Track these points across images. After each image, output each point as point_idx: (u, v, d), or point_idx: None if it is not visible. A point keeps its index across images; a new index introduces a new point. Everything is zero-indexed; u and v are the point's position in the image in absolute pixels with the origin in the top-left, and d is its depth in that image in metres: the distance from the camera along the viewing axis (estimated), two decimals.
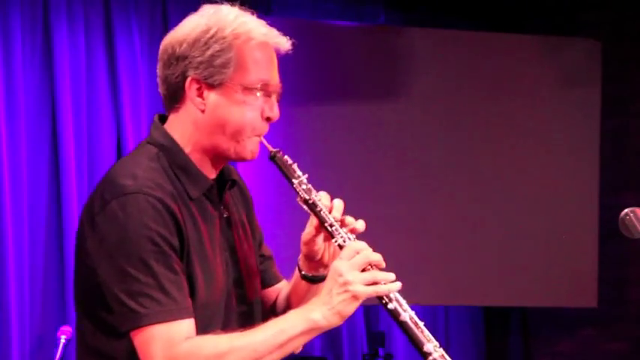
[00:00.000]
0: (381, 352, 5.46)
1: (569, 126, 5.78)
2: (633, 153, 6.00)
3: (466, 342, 6.28)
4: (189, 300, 2.08)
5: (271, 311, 2.38)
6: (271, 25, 2.29)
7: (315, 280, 2.32)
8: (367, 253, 2.12)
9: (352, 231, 2.21)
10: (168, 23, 5.18)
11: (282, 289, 2.41)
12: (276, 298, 2.41)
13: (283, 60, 6.39)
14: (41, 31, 4.87)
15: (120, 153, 5.02)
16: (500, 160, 5.67)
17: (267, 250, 2.42)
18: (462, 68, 5.60)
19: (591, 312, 5.94)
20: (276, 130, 6.04)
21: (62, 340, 4.29)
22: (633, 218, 2.54)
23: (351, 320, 5.86)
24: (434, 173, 5.57)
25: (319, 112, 5.42)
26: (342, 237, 2.17)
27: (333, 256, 2.27)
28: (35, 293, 4.80)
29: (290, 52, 2.29)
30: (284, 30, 5.97)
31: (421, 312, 6.04)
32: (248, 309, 2.27)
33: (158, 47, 5.90)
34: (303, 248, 2.29)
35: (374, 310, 5.81)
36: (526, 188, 5.69)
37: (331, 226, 2.19)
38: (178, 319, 2.05)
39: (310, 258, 2.30)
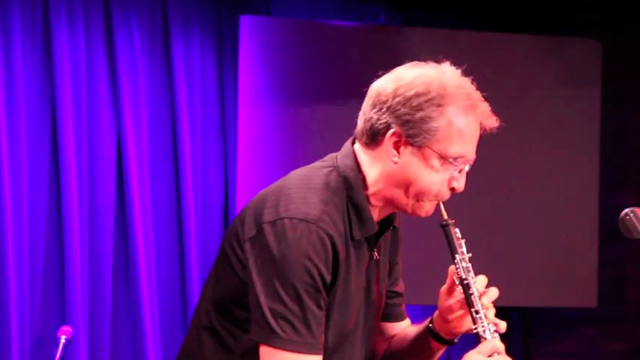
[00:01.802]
0: None
1: (569, 126, 5.77)
2: (633, 153, 5.99)
3: (466, 342, 6.27)
4: (324, 337, 2.13)
5: (386, 346, 2.42)
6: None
7: (440, 340, 2.38)
8: (504, 357, 2.18)
9: (495, 325, 2.24)
10: (169, 23, 5.18)
11: (403, 329, 2.45)
12: (395, 336, 2.44)
13: (283, 60, 6.38)
14: (41, 31, 4.87)
15: (120, 153, 5.02)
16: (499, 160, 5.67)
17: (401, 286, 2.47)
18: (462, 68, 5.59)
19: (591, 312, 5.94)
20: (277, 130, 6.04)
21: (62, 340, 4.30)
22: (633, 218, 2.54)
23: None
24: None
25: (319, 112, 5.41)
26: (483, 327, 2.22)
27: (461, 328, 2.34)
28: (35, 293, 4.80)
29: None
30: (284, 30, 6.00)
31: (422, 312, 6.05)
32: (367, 347, 2.31)
33: (158, 47, 5.88)
34: (440, 306, 2.35)
35: None
36: (526, 188, 5.68)
37: (477, 312, 2.24)
38: (310, 354, 2.09)
39: (443, 318, 2.35)
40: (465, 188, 2.29)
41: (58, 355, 4.24)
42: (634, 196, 5.84)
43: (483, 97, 2.27)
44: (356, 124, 2.32)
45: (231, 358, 2.19)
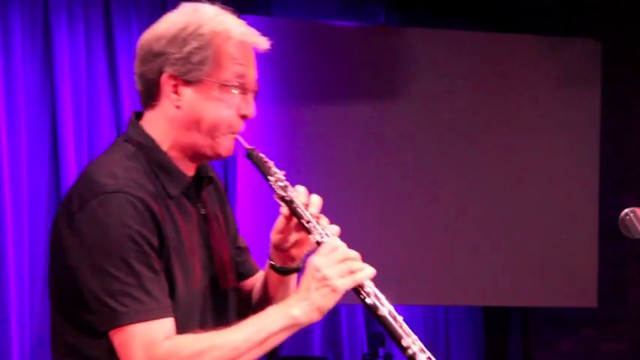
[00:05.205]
0: (381, 352, 5.46)
1: (569, 126, 5.78)
2: (633, 153, 6.00)
3: (466, 342, 6.28)
4: (169, 299, 2.08)
5: (247, 302, 2.38)
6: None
7: (284, 271, 2.32)
8: (344, 249, 2.11)
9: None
10: None
11: (258, 279, 2.41)
12: (252, 289, 2.40)
13: (283, 60, 6.38)
14: (41, 31, 4.88)
15: None
16: (500, 160, 5.67)
17: (242, 241, 2.42)
18: (462, 68, 5.60)
19: (591, 312, 5.94)
20: (277, 130, 6.04)
21: None
22: (633, 218, 2.54)
23: (351, 320, 5.86)
24: (434, 173, 5.57)
25: (319, 112, 5.42)
26: (319, 234, 2.16)
27: (301, 251, 2.28)
28: (35, 293, 4.80)
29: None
30: (284, 30, 6.02)
31: (421, 312, 6.07)
32: (224, 304, 2.27)
33: None
34: (273, 238, 2.29)
35: None
36: (526, 188, 5.69)
37: (308, 222, 2.17)
38: (159, 318, 2.04)
39: (279, 248, 2.29)
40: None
41: None
42: (634, 196, 5.85)
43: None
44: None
45: None
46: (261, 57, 2.17)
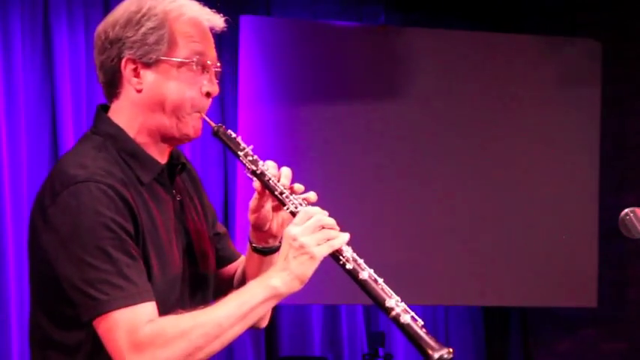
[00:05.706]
0: (381, 352, 5.46)
1: (569, 126, 5.78)
2: (633, 153, 6.00)
3: (466, 342, 6.28)
4: (149, 283, 2.08)
5: (229, 287, 2.37)
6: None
7: (265, 251, 2.31)
8: (320, 216, 2.11)
9: (304, 200, 2.19)
10: None
11: (240, 264, 2.41)
12: (234, 274, 2.40)
13: (283, 60, 6.38)
14: (41, 31, 4.88)
15: None
16: (500, 160, 5.68)
17: (221, 227, 2.42)
18: (462, 68, 5.60)
19: (591, 312, 5.94)
20: (277, 130, 6.03)
21: None
22: (633, 218, 2.54)
23: (351, 320, 5.86)
24: (433, 173, 5.57)
25: (319, 111, 5.42)
26: (293, 204, 2.16)
27: (282, 226, 2.28)
28: None
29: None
30: (284, 30, 6.02)
31: (421, 312, 6.07)
32: (203, 289, 2.27)
33: None
34: (250, 218, 2.28)
35: (374, 310, 5.81)
36: (526, 188, 5.69)
37: (281, 194, 2.17)
38: (140, 303, 2.04)
39: (258, 228, 2.29)
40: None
41: None
42: (634, 196, 5.85)
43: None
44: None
45: None
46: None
